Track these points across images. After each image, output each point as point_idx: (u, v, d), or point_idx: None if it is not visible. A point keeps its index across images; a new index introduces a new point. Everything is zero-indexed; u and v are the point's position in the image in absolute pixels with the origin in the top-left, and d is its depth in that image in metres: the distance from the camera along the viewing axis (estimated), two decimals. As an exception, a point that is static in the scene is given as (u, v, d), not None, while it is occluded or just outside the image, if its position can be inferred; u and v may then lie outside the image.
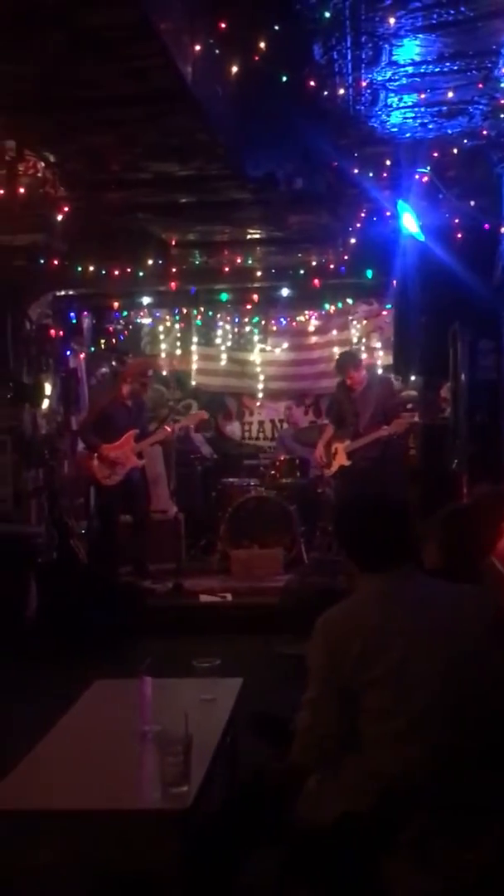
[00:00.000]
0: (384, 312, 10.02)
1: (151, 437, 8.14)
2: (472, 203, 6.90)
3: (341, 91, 5.56)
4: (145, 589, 7.76)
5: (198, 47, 4.42)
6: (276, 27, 4.73)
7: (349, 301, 9.89)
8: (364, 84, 5.49)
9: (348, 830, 2.37)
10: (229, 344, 10.71)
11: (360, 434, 7.92)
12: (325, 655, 2.48)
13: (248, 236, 7.97)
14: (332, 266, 8.24)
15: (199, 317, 10.48)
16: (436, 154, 6.55)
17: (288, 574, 7.71)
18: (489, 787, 2.37)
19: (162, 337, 10.77)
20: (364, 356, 9.65)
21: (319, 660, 2.50)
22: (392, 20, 4.66)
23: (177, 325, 10.67)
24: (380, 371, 9.87)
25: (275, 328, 10.65)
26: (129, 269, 8.03)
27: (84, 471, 8.25)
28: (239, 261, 8.52)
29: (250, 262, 8.61)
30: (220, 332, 10.68)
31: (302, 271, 8.47)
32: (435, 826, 2.29)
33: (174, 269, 8.27)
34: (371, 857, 2.30)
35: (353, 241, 7.71)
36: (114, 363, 10.06)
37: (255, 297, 9.34)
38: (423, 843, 2.28)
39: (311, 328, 10.60)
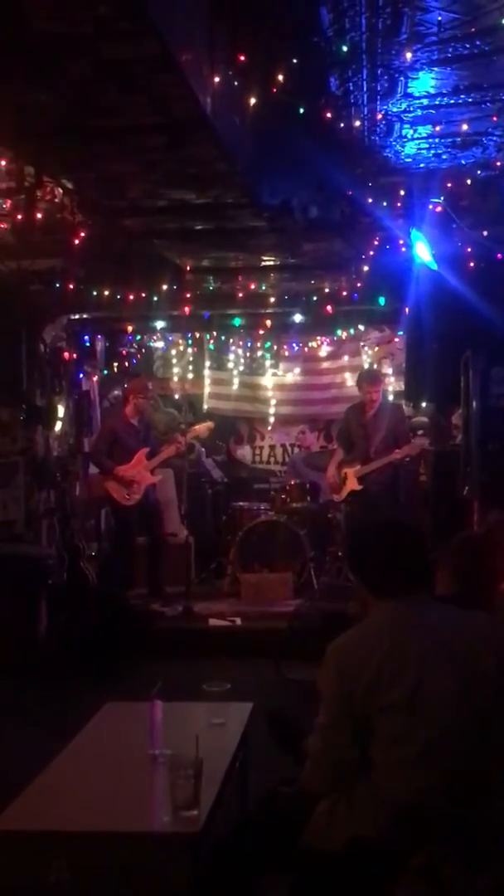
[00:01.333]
0: (396, 339, 10.07)
1: (163, 454, 8.17)
2: (485, 233, 6.95)
3: (357, 122, 5.64)
4: (155, 612, 7.77)
5: (217, 79, 4.50)
6: (294, 60, 4.80)
7: (361, 327, 9.95)
8: (379, 115, 5.57)
9: (359, 855, 2.37)
10: (241, 368, 10.77)
11: (370, 458, 7.87)
12: (337, 681, 2.49)
13: (263, 263, 8.04)
14: (344, 293, 8.30)
15: (212, 341, 10.55)
16: (449, 184, 6.61)
17: (298, 599, 7.72)
18: (500, 813, 2.37)
19: (174, 361, 10.84)
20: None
21: (331, 685, 2.51)
22: (409, 54, 4.74)
23: (189, 350, 10.74)
24: (391, 397, 9.93)
25: (287, 353, 10.71)
26: (143, 294, 8.10)
27: (101, 493, 8.28)
28: (253, 287, 8.59)
29: (264, 288, 8.68)
30: (232, 356, 10.74)
31: (315, 298, 8.54)
32: (446, 852, 2.30)
33: (188, 294, 8.35)
34: (382, 883, 2.30)
35: (366, 268, 7.77)
36: (126, 386, 10.13)
37: (268, 322, 9.40)
38: (434, 869, 2.28)
39: (323, 354, 10.66)
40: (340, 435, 8.66)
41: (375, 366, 10.41)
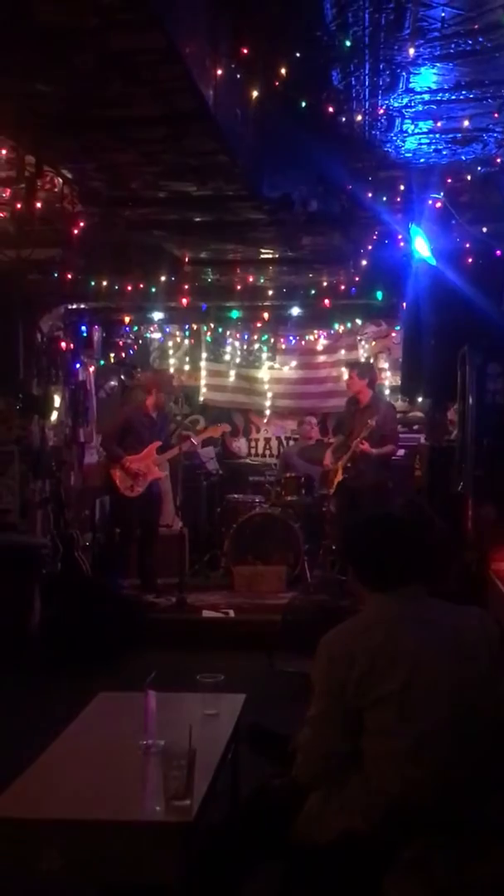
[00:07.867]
0: (393, 333, 10.09)
1: (174, 450, 8.16)
2: (484, 229, 6.95)
3: (358, 116, 5.63)
4: (148, 603, 7.79)
5: (220, 71, 4.49)
6: (297, 54, 4.79)
7: (358, 322, 9.96)
8: (381, 110, 5.56)
9: (350, 848, 2.39)
10: (238, 361, 10.77)
11: (350, 449, 8.01)
12: (329, 674, 2.50)
13: (261, 256, 8.03)
14: (342, 287, 8.31)
15: (209, 333, 10.55)
16: (449, 180, 6.61)
17: (291, 591, 7.74)
18: (491, 808, 2.39)
19: (171, 352, 10.84)
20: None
21: (323, 678, 2.52)
22: (411, 49, 4.73)
23: (186, 341, 10.74)
24: (387, 392, 9.98)
25: (284, 346, 10.70)
26: (141, 285, 8.09)
27: (98, 482, 8.28)
28: (251, 279, 8.59)
29: (262, 280, 8.68)
30: (229, 348, 10.75)
31: (313, 291, 8.55)
32: (436, 846, 2.32)
33: (186, 286, 8.33)
34: (372, 876, 2.32)
35: (364, 263, 7.76)
36: (122, 377, 10.15)
37: (266, 315, 9.40)
38: (424, 862, 2.30)
39: (320, 347, 10.66)
40: (338, 424, 8.72)
41: (372, 360, 10.43)
